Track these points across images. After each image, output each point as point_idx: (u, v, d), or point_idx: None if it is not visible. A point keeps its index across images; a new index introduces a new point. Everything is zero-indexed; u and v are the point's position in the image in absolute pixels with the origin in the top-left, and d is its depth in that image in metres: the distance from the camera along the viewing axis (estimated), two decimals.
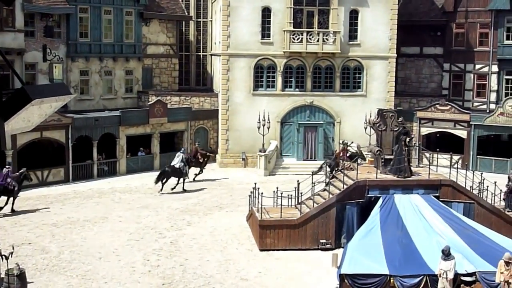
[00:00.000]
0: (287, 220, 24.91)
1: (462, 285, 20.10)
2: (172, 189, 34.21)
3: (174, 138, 43.15)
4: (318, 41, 41.77)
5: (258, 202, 25.56)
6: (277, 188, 26.08)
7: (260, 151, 40.15)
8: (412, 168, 26.37)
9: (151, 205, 31.70)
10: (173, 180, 34.66)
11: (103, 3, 41.48)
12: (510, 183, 27.88)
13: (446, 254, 19.70)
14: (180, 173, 34.75)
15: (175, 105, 43.56)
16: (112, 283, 20.99)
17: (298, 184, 26.53)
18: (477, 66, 45.81)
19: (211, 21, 49.19)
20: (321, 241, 24.87)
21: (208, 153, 38.94)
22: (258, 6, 41.82)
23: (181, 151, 36.14)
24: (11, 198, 29.61)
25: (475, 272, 20.26)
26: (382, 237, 22.53)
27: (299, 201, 26.69)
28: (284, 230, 24.79)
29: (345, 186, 25.34)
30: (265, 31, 42.24)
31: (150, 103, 41.54)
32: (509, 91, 43.99)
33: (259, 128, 40.37)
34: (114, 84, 43.03)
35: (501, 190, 27.15)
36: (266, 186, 32.40)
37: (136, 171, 39.44)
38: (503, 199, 27.67)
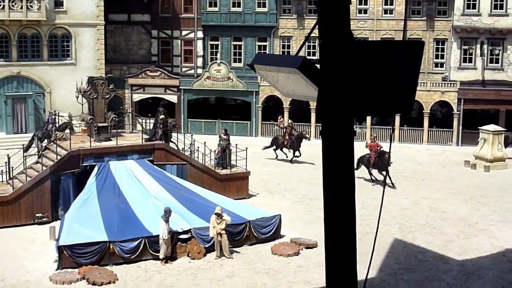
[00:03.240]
0: None
1: (179, 242, 21.06)
2: None
3: None
4: (21, 8, 39.83)
5: None
6: None
7: None
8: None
9: None
10: None
11: None
12: (221, 142, 29.62)
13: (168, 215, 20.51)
14: None
15: None
16: None
17: (9, 158, 25.40)
18: (184, 33, 47.34)
19: None
20: (37, 215, 24.15)
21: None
22: None
23: None
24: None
25: (190, 229, 21.37)
26: (100, 205, 22.65)
27: (11, 176, 25.59)
28: None
29: (59, 157, 24.85)
30: None
31: None
32: (214, 56, 46.30)
33: None
34: None
35: (210, 150, 28.69)
36: None
37: None
38: (216, 158, 29.27)
